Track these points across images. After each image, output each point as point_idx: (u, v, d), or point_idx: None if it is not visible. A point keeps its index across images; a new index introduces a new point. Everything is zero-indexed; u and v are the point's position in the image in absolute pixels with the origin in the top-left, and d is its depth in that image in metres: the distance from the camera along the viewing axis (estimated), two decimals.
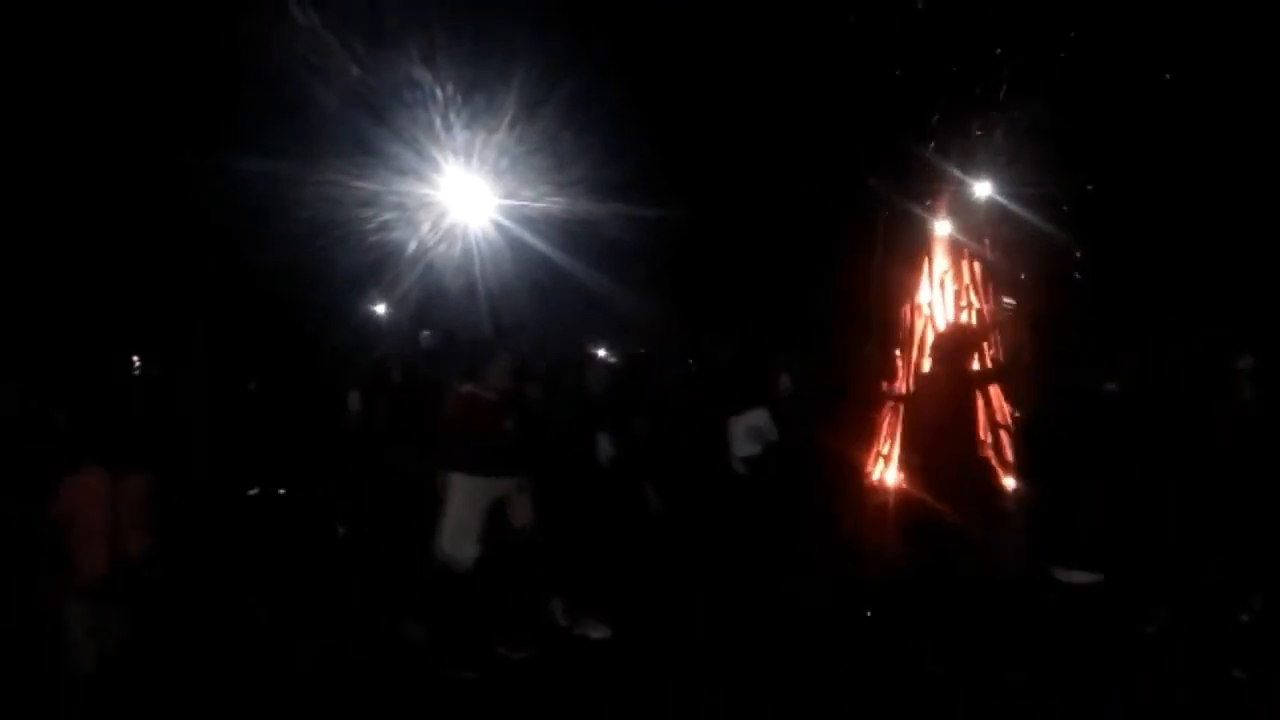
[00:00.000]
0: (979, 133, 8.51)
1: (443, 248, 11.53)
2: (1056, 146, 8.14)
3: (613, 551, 5.96)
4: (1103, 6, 8.04)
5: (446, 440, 5.58)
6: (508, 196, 11.07)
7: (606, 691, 4.98)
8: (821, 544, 6.54)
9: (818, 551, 6.45)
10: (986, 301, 8.56)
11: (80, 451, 4.51)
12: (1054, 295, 8.47)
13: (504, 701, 4.89)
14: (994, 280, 8.64)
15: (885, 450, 8.33)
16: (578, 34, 9.81)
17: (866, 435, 8.35)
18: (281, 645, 5.44)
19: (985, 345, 7.25)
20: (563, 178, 10.65)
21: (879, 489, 8.01)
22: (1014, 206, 8.43)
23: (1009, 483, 7.04)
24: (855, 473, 8.06)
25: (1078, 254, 8.52)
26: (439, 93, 10.21)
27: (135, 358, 10.67)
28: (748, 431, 6.99)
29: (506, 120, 10.30)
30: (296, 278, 11.53)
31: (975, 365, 6.20)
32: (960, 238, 8.71)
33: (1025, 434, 6.84)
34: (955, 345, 5.80)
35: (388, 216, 11.03)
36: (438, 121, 10.39)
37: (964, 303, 8.63)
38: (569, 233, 10.71)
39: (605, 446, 6.14)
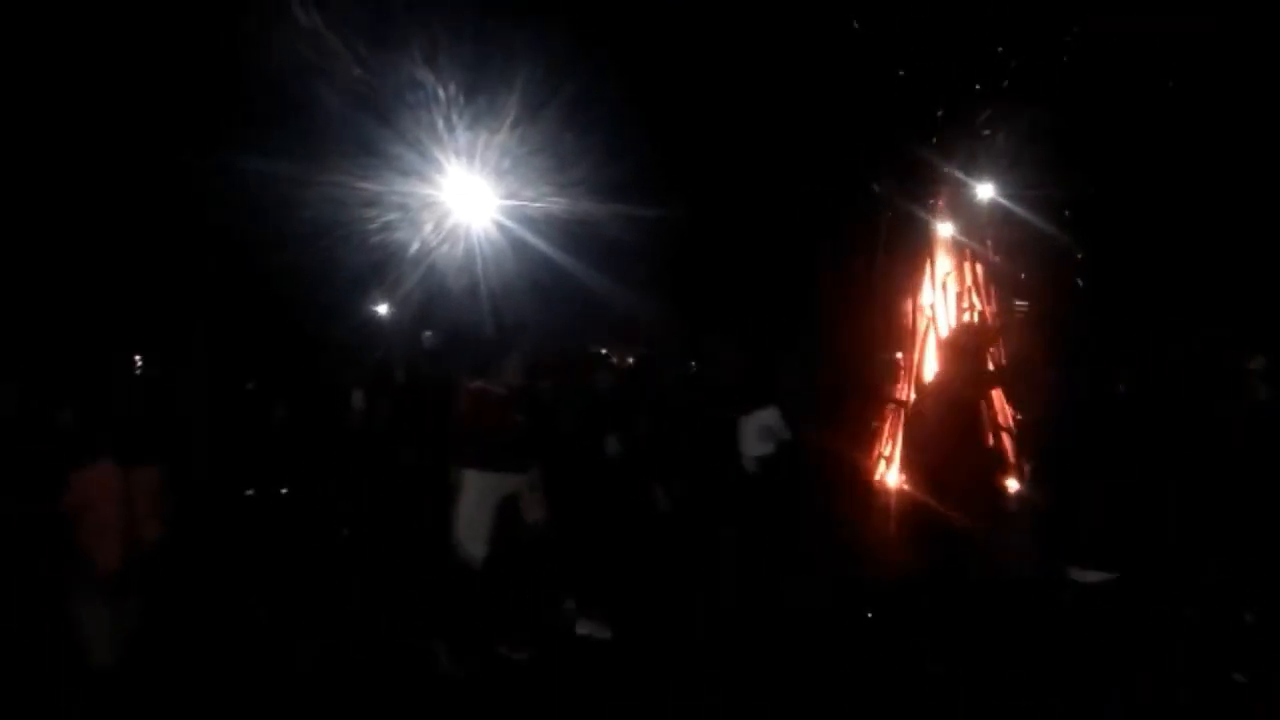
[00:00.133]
0: (981, 134, 8.50)
1: (445, 248, 11.55)
2: (1059, 148, 8.13)
3: (618, 550, 5.96)
4: (1104, 8, 8.03)
5: (458, 436, 5.59)
6: (509, 197, 11.08)
7: (606, 691, 4.98)
8: (828, 544, 6.53)
9: (824, 551, 6.44)
10: (989, 303, 8.55)
11: (90, 446, 4.49)
12: (1058, 297, 8.46)
13: (504, 701, 4.90)
14: (997, 282, 8.63)
15: (887, 452, 8.32)
16: (579, 35, 9.81)
17: (869, 436, 8.35)
18: (281, 645, 5.44)
19: (994, 347, 7.24)
20: (564, 178, 10.65)
21: (882, 490, 8.00)
22: (1016, 208, 8.42)
23: (1012, 484, 7.03)
24: (859, 473, 8.05)
25: (1080, 256, 8.51)
26: (441, 94, 10.22)
27: (137, 357, 10.67)
28: (760, 430, 6.92)
29: (508, 121, 10.31)
30: (299, 278, 11.54)
31: (984, 367, 6.20)
32: (963, 239, 8.70)
33: (1036, 435, 6.80)
34: (965, 346, 5.78)
35: (390, 217, 11.05)
36: (440, 122, 10.40)
37: (966, 304, 8.62)
38: (570, 233, 10.72)
39: (613, 445, 6.14)
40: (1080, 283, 8.53)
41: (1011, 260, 8.56)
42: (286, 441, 8.53)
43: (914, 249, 8.81)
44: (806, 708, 4.71)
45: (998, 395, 7.86)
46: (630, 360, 8.82)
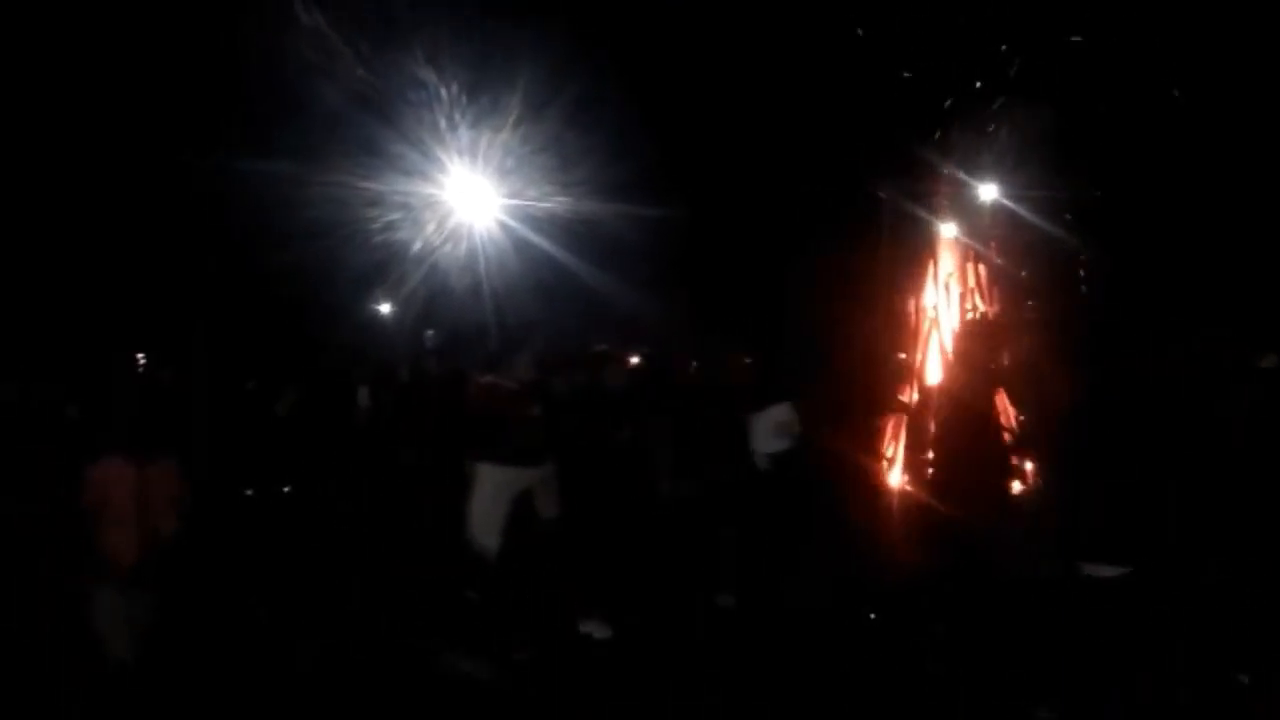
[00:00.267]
0: (985, 134, 8.49)
1: (448, 247, 11.56)
2: (1062, 149, 8.12)
3: (626, 547, 5.93)
4: (1109, 9, 8.02)
5: (472, 430, 5.59)
6: (512, 196, 11.09)
7: (606, 692, 4.98)
8: (837, 543, 6.48)
9: (834, 550, 6.39)
10: (991, 304, 8.54)
11: (101, 443, 4.51)
12: (1061, 297, 8.44)
13: (505, 701, 4.90)
14: (1000, 283, 8.61)
15: (894, 452, 8.27)
16: (582, 34, 9.82)
17: (875, 436, 8.30)
18: (284, 645, 5.44)
19: (1004, 347, 7.18)
20: (567, 177, 10.67)
21: (890, 489, 7.96)
22: (1020, 209, 8.41)
23: (1018, 484, 7.01)
24: (866, 473, 8.00)
25: (1083, 256, 8.49)
26: (444, 93, 10.24)
27: (140, 356, 10.69)
28: (776, 427, 6.73)
29: (511, 120, 10.32)
30: (303, 277, 11.57)
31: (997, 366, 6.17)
32: (966, 240, 8.69)
33: (1042, 434, 6.77)
34: (977, 346, 5.76)
35: (393, 216, 11.06)
36: (443, 122, 10.42)
37: (969, 306, 8.60)
38: (573, 232, 10.73)
39: (624, 440, 6.12)
40: (1084, 283, 8.51)
41: (1015, 261, 8.55)
42: (291, 439, 8.51)
43: (916, 249, 8.80)
44: (809, 708, 4.71)
45: (1002, 395, 7.84)
46: (635, 359, 8.79)
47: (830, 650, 5.25)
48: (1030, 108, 8.08)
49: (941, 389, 7.40)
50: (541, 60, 9.78)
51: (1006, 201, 8.43)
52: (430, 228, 11.30)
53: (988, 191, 8.55)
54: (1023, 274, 8.50)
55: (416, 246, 11.41)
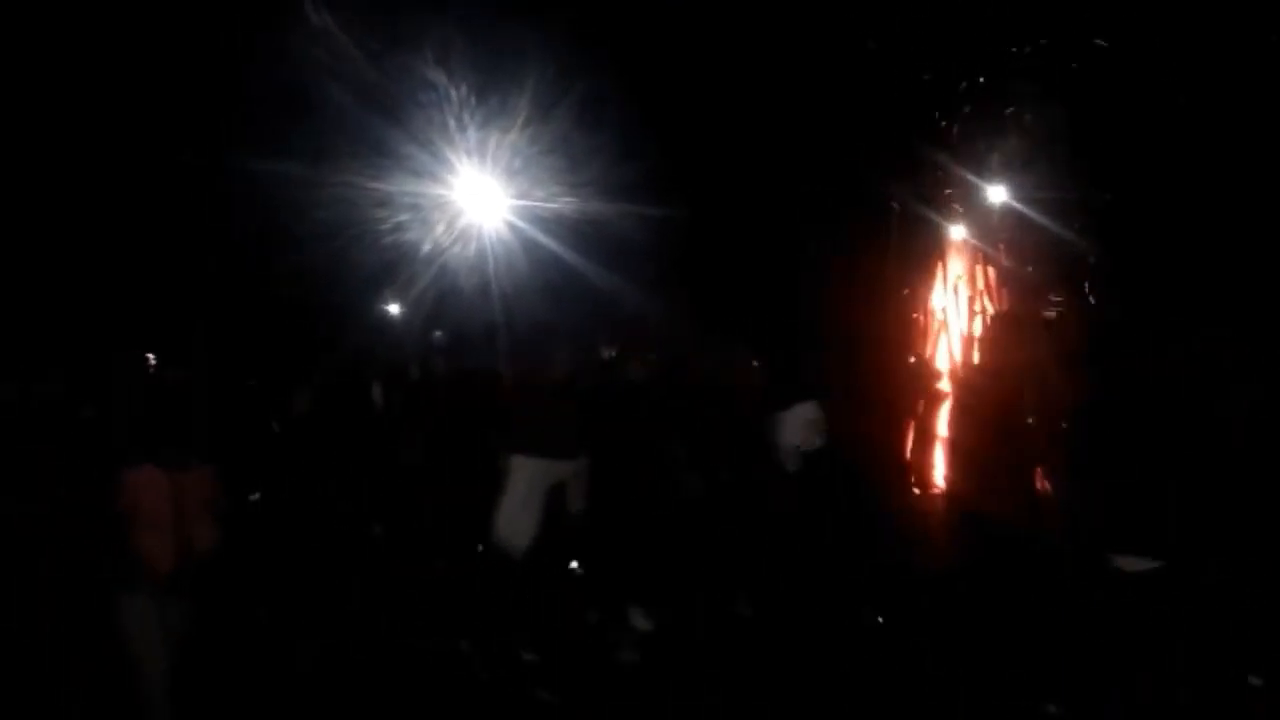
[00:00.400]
0: (994, 136, 8.45)
1: (456, 248, 11.56)
2: (1070, 150, 8.08)
3: (659, 542, 5.89)
4: (1115, 11, 7.97)
5: (506, 421, 5.60)
6: (521, 197, 11.08)
7: (607, 692, 4.98)
8: (865, 540, 6.40)
9: (861, 548, 6.32)
10: (1001, 305, 8.50)
11: (134, 445, 4.47)
12: (1074, 298, 8.39)
13: (506, 702, 4.89)
14: (1009, 284, 8.57)
15: (920, 451, 8.17)
16: (590, 35, 9.81)
17: (901, 435, 8.21)
18: (296, 646, 5.43)
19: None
20: (576, 178, 10.65)
21: (919, 488, 7.88)
22: (1029, 210, 8.36)
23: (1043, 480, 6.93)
24: (896, 471, 7.91)
25: (1091, 258, 8.43)
26: (453, 95, 10.24)
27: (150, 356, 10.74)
28: (806, 424, 6.63)
29: (520, 121, 10.31)
30: (312, 278, 11.60)
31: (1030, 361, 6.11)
32: (975, 241, 8.66)
33: (1065, 432, 6.69)
34: (1010, 338, 5.72)
35: (402, 217, 11.07)
36: (452, 123, 10.42)
37: (979, 307, 8.57)
38: (581, 233, 10.70)
39: (656, 439, 6.09)
40: (1092, 283, 8.44)
41: (1025, 262, 8.51)
42: (307, 438, 8.48)
43: (925, 250, 8.77)
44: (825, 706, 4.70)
45: (1027, 392, 7.74)
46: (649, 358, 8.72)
47: (857, 649, 5.23)
48: (1038, 109, 8.05)
49: (966, 387, 7.35)
50: (550, 61, 9.78)
51: (1015, 203, 8.40)
52: (439, 228, 11.31)
53: (998, 193, 8.52)
54: (1033, 274, 8.46)
55: (425, 247, 11.42)
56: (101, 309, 10.86)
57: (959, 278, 8.69)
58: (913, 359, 8.67)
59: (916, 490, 7.63)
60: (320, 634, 5.55)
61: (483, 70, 10.09)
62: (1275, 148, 8.16)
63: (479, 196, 11.16)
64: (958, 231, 8.72)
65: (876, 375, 8.07)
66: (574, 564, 5.70)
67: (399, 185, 10.59)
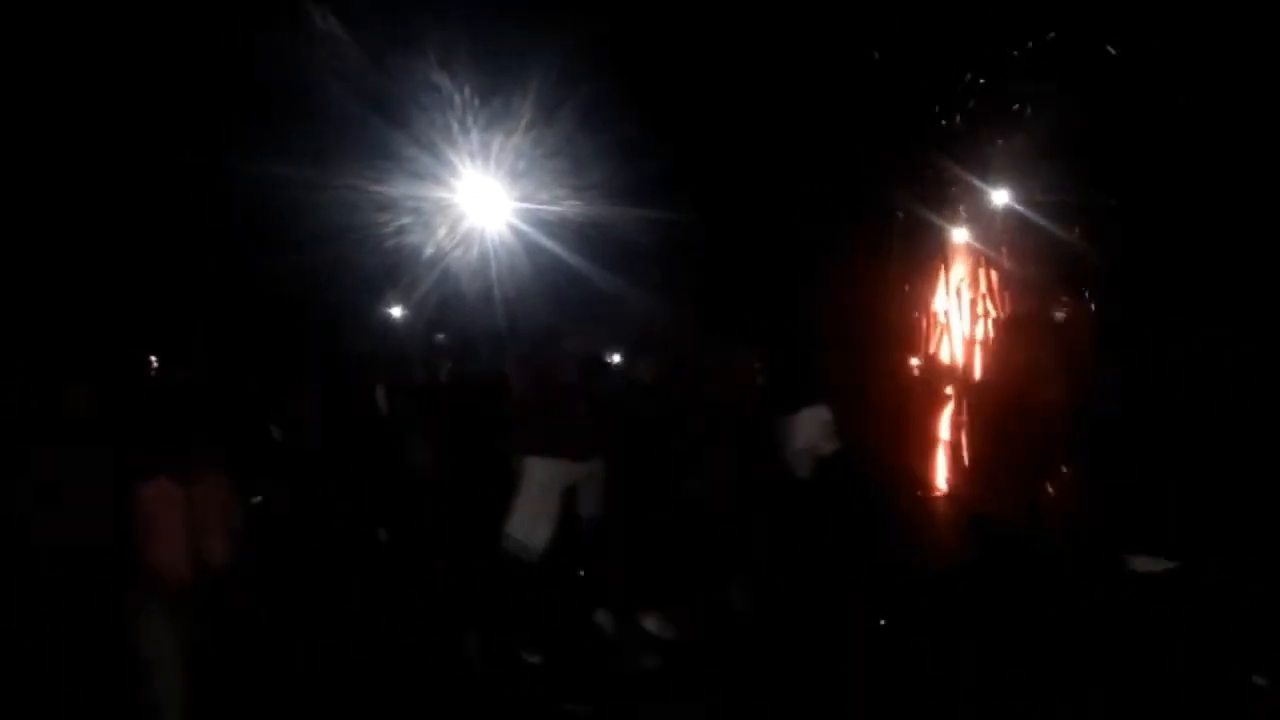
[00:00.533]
0: (997, 140, 8.47)
1: (460, 251, 11.58)
2: (1073, 153, 8.10)
3: (667, 546, 5.85)
4: (1117, 15, 8.00)
5: (518, 424, 5.58)
6: (524, 200, 11.09)
7: (620, 698, 4.98)
8: (885, 544, 6.37)
9: (879, 551, 6.29)
10: (1002, 308, 8.52)
11: (151, 455, 4.36)
12: (1073, 299, 8.39)
13: (509, 702, 4.89)
14: (1011, 287, 8.59)
15: (930, 453, 8.16)
16: (594, 38, 9.82)
17: (910, 437, 8.20)
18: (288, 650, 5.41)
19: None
20: (579, 181, 10.66)
21: (932, 490, 7.87)
22: (1031, 213, 8.38)
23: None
24: (908, 473, 7.89)
25: (1092, 260, 8.45)
26: (456, 97, 10.25)
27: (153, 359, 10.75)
28: (817, 428, 6.45)
29: (523, 124, 10.33)
30: (315, 281, 11.61)
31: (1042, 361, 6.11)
32: (977, 244, 8.68)
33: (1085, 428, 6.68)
34: (1018, 340, 5.71)
35: (405, 220, 11.08)
36: (455, 126, 10.43)
37: (980, 310, 8.59)
38: (585, 236, 10.71)
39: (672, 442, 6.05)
40: (1094, 285, 8.45)
41: (1026, 264, 8.53)
42: (312, 442, 8.43)
43: (929, 253, 8.79)
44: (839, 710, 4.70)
45: (1037, 392, 7.74)
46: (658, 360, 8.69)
47: (870, 653, 5.23)
48: (1040, 112, 8.08)
49: (973, 389, 7.36)
50: (553, 64, 9.79)
51: (1018, 206, 8.42)
52: (442, 231, 11.32)
53: (999, 196, 8.54)
54: (1035, 276, 8.47)
55: (429, 250, 11.43)
56: (105, 311, 10.85)
57: (962, 280, 8.71)
58: (916, 361, 8.69)
59: (923, 493, 7.63)
60: (326, 638, 5.53)
61: (486, 72, 10.11)
62: (1275, 149, 8.19)
63: (483, 199, 11.18)
64: (960, 234, 8.74)
65: (881, 377, 8.08)
66: (583, 569, 5.65)
67: (402, 188, 10.61)
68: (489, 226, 11.50)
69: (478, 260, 11.58)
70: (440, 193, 10.89)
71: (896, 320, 8.85)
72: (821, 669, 5.08)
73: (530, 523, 5.34)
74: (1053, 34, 8.20)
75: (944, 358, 8.62)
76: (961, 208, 8.65)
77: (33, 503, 4.18)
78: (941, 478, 7.66)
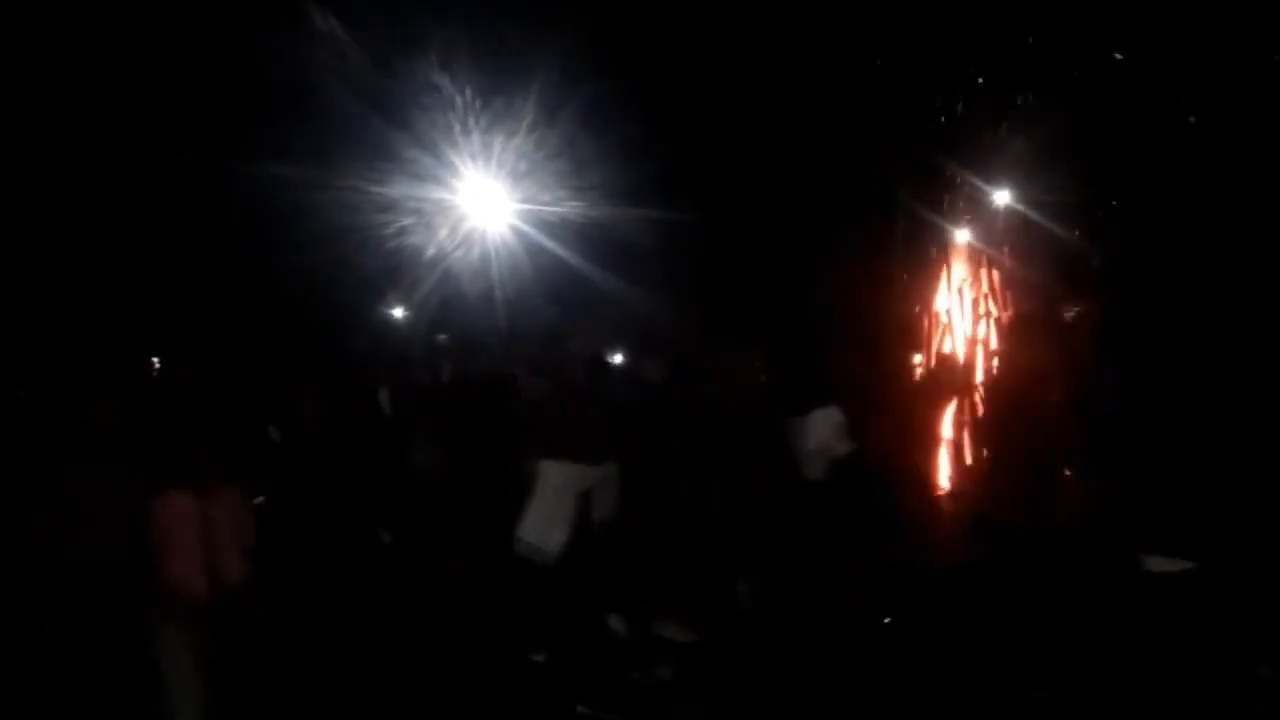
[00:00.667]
0: (999, 139, 8.48)
1: (461, 252, 11.58)
2: (1075, 153, 8.10)
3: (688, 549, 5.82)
4: (1120, 14, 8.01)
5: (530, 427, 5.54)
6: (526, 201, 11.10)
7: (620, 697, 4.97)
8: (896, 545, 6.33)
9: (890, 552, 6.25)
10: (1004, 308, 8.52)
11: (166, 466, 4.26)
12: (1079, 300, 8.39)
13: (511, 703, 4.88)
14: (1013, 288, 8.59)
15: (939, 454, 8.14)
16: (596, 38, 9.82)
17: (919, 438, 8.18)
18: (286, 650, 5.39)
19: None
20: (581, 182, 10.66)
21: (942, 491, 7.84)
22: (1033, 214, 8.38)
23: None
24: (919, 475, 7.86)
25: (1094, 260, 8.45)
26: (458, 98, 10.26)
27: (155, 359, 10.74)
28: (829, 430, 6.33)
29: (525, 125, 10.33)
30: (316, 282, 11.60)
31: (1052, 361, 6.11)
32: (979, 244, 8.68)
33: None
34: (1027, 336, 5.70)
35: (407, 221, 11.08)
36: (456, 126, 10.43)
37: (982, 310, 8.59)
38: (586, 237, 10.72)
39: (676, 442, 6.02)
40: (1096, 285, 8.45)
41: (1029, 264, 8.52)
42: (317, 445, 8.37)
43: (931, 253, 8.79)
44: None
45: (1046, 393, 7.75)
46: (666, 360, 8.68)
47: (883, 654, 5.23)
48: (1042, 112, 8.08)
49: (982, 390, 7.35)
50: (555, 65, 9.79)
51: (1020, 206, 8.42)
52: (444, 232, 11.32)
53: (1001, 196, 8.54)
54: (1037, 276, 8.47)
55: (430, 251, 11.43)
56: (106, 312, 10.84)
57: (964, 280, 8.72)
58: (920, 361, 8.69)
59: (928, 492, 7.62)
60: (327, 641, 5.52)
61: (488, 73, 10.11)
62: (1275, 149, 8.20)
63: (484, 200, 11.18)
64: (962, 234, 8.74)
65: (885, 378, 8.08)
66: (597, 573, 5.61)
67: (404, 189, 10.61)
68: (490, 227, 11.50)
69: (479, 261, 11.59)
70: (442, 194, 10.89)
71: (900, 320, 8.84)
72: (835, 668, 5.08)
73: (544, 526, 5.30)
74: (1053, 33, 8.20)
75: (946, 357, 8.61)
76: (964, 207, 8.65)
77: (57, 519, 4.07)
78: (945, 477, 7.67)
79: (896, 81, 8.70)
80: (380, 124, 10.23)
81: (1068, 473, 6.02)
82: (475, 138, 10.48)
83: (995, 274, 8.72)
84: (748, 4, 9.77)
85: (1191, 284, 8.22)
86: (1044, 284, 8.37)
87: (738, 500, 5.91)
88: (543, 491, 5.35)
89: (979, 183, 8.62)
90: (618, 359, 7.33)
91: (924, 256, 8.94)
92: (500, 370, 7.18)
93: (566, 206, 10.73)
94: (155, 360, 9.47)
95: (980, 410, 7.27)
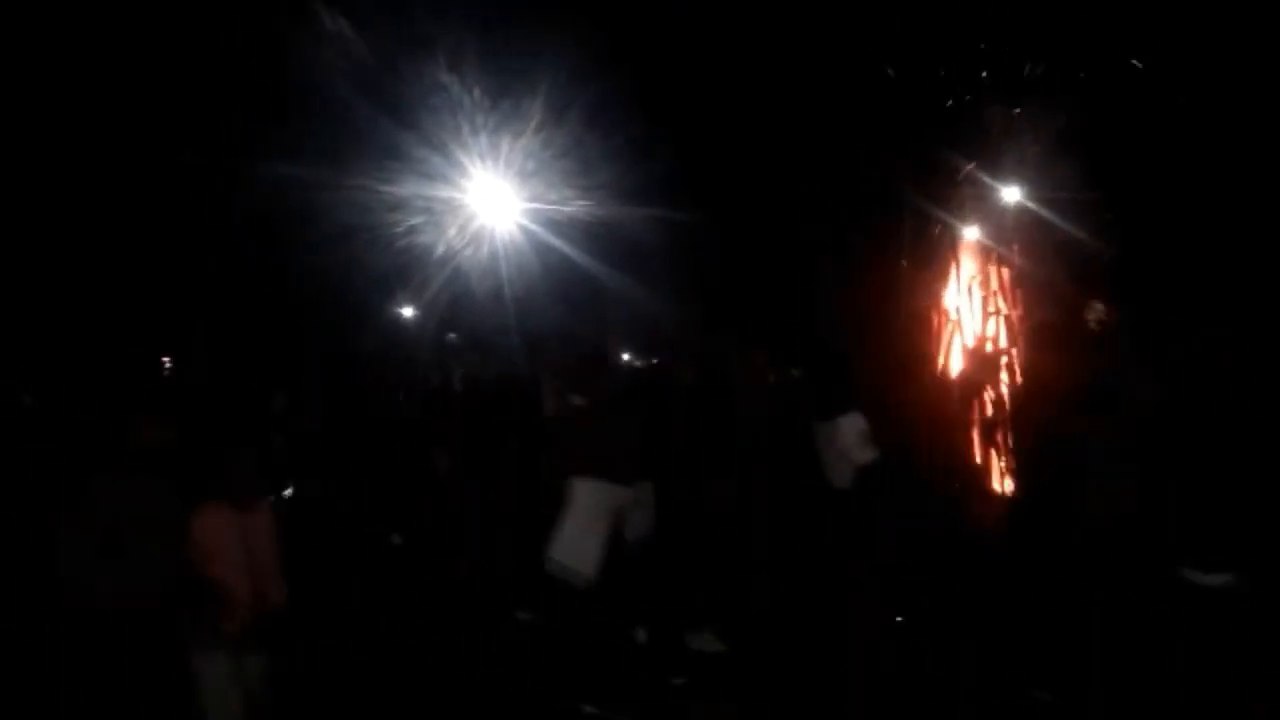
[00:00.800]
0: (1008, 136, 8.44)
1: (469, 251, 11.60)
2: (1088, 151, 8.06)
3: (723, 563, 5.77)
4: (1129, 12, 7.96)
5: (568, 444, 5.47)
6: (534, 200, 11.10)
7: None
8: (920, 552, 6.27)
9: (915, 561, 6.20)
10: (1014, 308, 8.48)
11: (206, 481, 4.19)
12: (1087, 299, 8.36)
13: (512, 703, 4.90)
14: (1023, 286, 8.55)
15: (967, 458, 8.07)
16: (603, 38, 9.82)
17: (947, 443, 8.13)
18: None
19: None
20: (589, 181, 10.66)
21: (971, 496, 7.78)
22: (1044, 211, 8.34)
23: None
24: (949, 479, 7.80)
25: (1106, 259, 8.40)
26: (466, 98, 10.27)
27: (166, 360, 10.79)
28: (860, 435, 6.19)
29: (533, 125, 10.33)
30: (325, 282, 11.65)
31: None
32: (989, 243, 8.64)
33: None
34: (1037, 337, 5.69)
35: (416, 221, 11.10)
36: (465, 126, 10.44)
37: (992, 309, 8.56)
38: (595, 236, 10.72)
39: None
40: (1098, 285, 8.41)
41: (1040, 263, 8.48)
42: (331, 447, 8.40)
43: (939, 252, 8.76)
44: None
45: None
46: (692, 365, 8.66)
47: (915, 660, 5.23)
48: (1049, 110, 8.04)
49: (1005, 395, 7.33)
50: (562, 65, 9.79)
51: (1030, 203, 8.38)
52: (452, 232, 11.34)
53: (1011, 194, 8.50)
54: (1048, 275, 8.43)
55: (439, 250, 11.45)
56: (113, 314, 10.91)
57: (973, 278, 8.68)
58: (930, 363, 8.66)
59: (950, 492, 7.56)
60: (337, 641, 5.52)
61: (496, 74, 10.12)
62: (1276, 149, 8.15)
63: (493, 200, 11.19)
64: (971, 232, 8.70)
65: (901, 379, 8.06)
66: (627, 589, 5.52)
67: (413, 188, 10.62)
68: (499, 226, 11.51)
69: (488, 260, 11.60)
70: (450, 193, 10.90)
71: (912, 321, 8.81)
72: (861, 671, 5.08)
73: (578, 546, 5.20)
74: (1057, 32, 8.17)
75: (954, 358, 8.58)
76: (973, 205, 8.61)
77: (102, 538, 3.94)
78: (952, 477, 7.64)
79: (904, 79, 8.67)
80: (389, 124, 10.25)
81: (1079, 472, 6.01)
82: (483, 138, 10.49)
83: (1004, 272, 8.68)
84: (754, 4, 9.75)
85: (1190, 283, 8.19)
86: (1054, 283, 8.34)
87: (766, 507, 5.86)
88: (574, 512, 5.24)
89: (988, 180, 8.58)
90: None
91: (935, 256, 8.90)
92: (508, 371, 7.16)
93: (574, 206, 10.73)
94: (165, 362, 9.54)
95: (993, 410, 7.24)
